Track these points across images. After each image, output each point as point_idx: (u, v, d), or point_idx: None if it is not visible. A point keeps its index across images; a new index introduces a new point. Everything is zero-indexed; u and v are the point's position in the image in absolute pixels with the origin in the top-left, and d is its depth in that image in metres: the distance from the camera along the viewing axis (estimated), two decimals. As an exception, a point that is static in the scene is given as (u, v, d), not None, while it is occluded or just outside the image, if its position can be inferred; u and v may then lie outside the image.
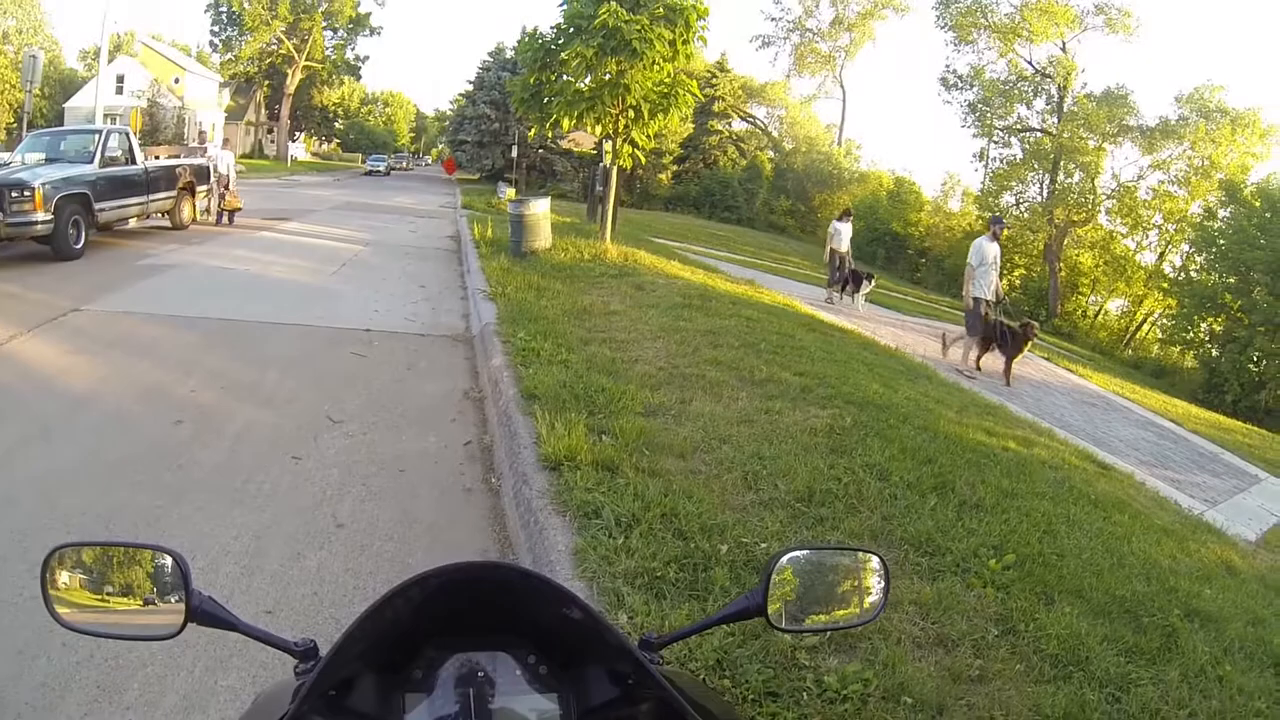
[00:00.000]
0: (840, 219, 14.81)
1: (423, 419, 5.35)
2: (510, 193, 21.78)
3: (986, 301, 10.00)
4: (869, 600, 0.99)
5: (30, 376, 5.67)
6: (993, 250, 10.18)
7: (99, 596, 0.95)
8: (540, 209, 11.70)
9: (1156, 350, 29.60)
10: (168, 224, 12.90)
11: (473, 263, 10.98)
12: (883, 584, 0.99)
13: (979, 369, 10.13)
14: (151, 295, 8.37)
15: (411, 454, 4.75)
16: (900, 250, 38.06)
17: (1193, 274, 27.76)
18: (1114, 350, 28.93)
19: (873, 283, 14.28)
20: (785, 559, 0.95)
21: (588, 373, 5.52)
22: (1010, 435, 5.92)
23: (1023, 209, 34.37)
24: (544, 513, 3.52)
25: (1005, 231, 11.75)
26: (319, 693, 0.71)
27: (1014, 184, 35.49)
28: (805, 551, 0.99)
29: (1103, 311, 33.41)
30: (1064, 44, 33.90)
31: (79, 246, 9.74)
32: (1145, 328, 31.72)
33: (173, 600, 0.92)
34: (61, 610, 0.93)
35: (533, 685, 0.80)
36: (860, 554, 1.01)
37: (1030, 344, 10.50)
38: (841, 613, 0.99)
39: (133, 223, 11.81)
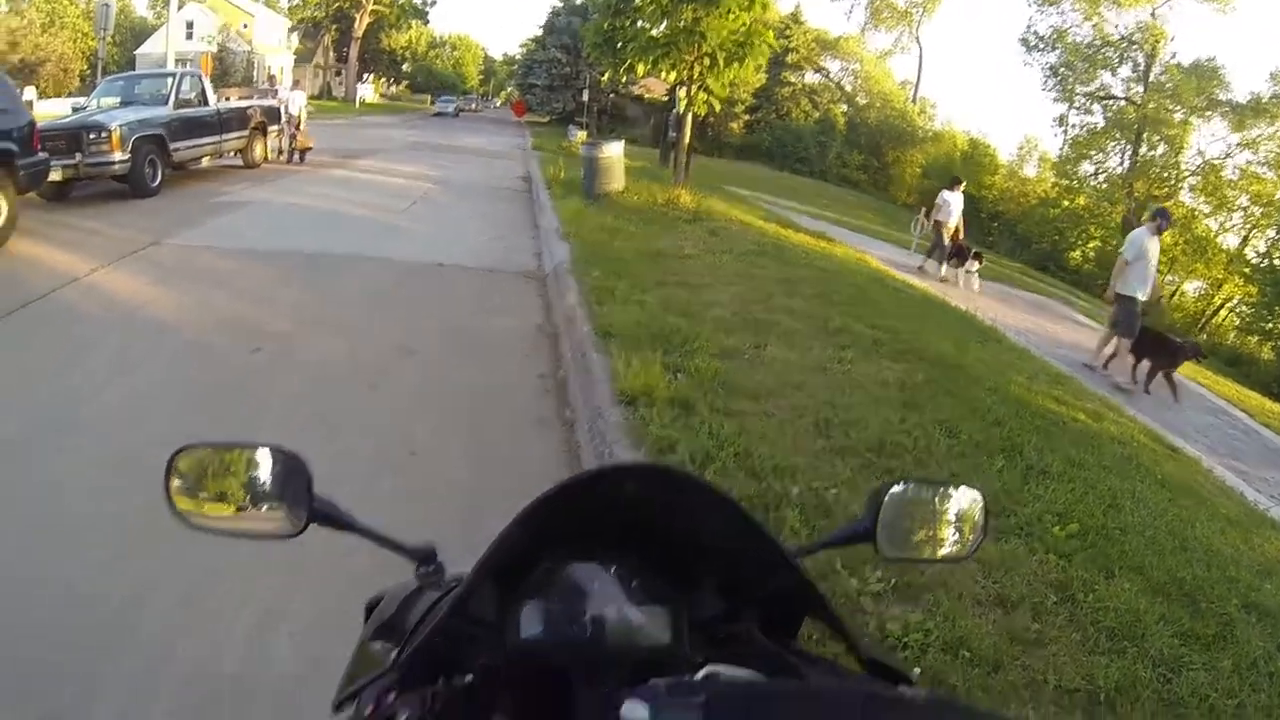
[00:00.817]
0: (950, 188, 12.92)
1: (496, 352, 5.38)
2: (582, 135, 21.50)
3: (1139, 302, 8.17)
4: (968, 536, 1.00)
5: (114, 306, 5.81)
6: (1154, 247, 8.16)
7: (220, 495, 0.96)
8: (614, 152, 11.56)
9: (1233, 338, 28.12)
10: (240, 163, 13.07)
11: (545, 203, 10.92)
12: (982, 521, 0.99)
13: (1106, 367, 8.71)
14: (228, 230, 8.49)
15: (485, 386, 4.79)
16: (973, 214, 36.72)
17: (1276, 262, 26.33)
18: (1188, 334, 27.65)
19: (980, 262, 12.47)
20: (893, 490, 0.96)
21: (662, 313, 5.51)
22: (1080, 407, 5.76)
23: (1101, 179, 32.92)
24: (619, 446, 3.56)
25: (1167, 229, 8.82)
26: (464, 601, 0.72)
27: (1094, 152, 34.02)
28: (911, 485, 0.99)
29: (1179, 292, 31.80)
30: (1154, 10, 32.00)
31: (155, 185, 9.98)
32: (1222, 313, 30.19)
33: (293, 500, 0.93)
34: (183, 509, 0.94)
35: (645, 596, 0.81)
36: (963, 490, 1.00)
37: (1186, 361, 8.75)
38: (942, 546, 1.00)
39: (206, 162, 12.00)
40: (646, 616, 0.80)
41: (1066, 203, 33.82)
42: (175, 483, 0.95)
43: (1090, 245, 31.39)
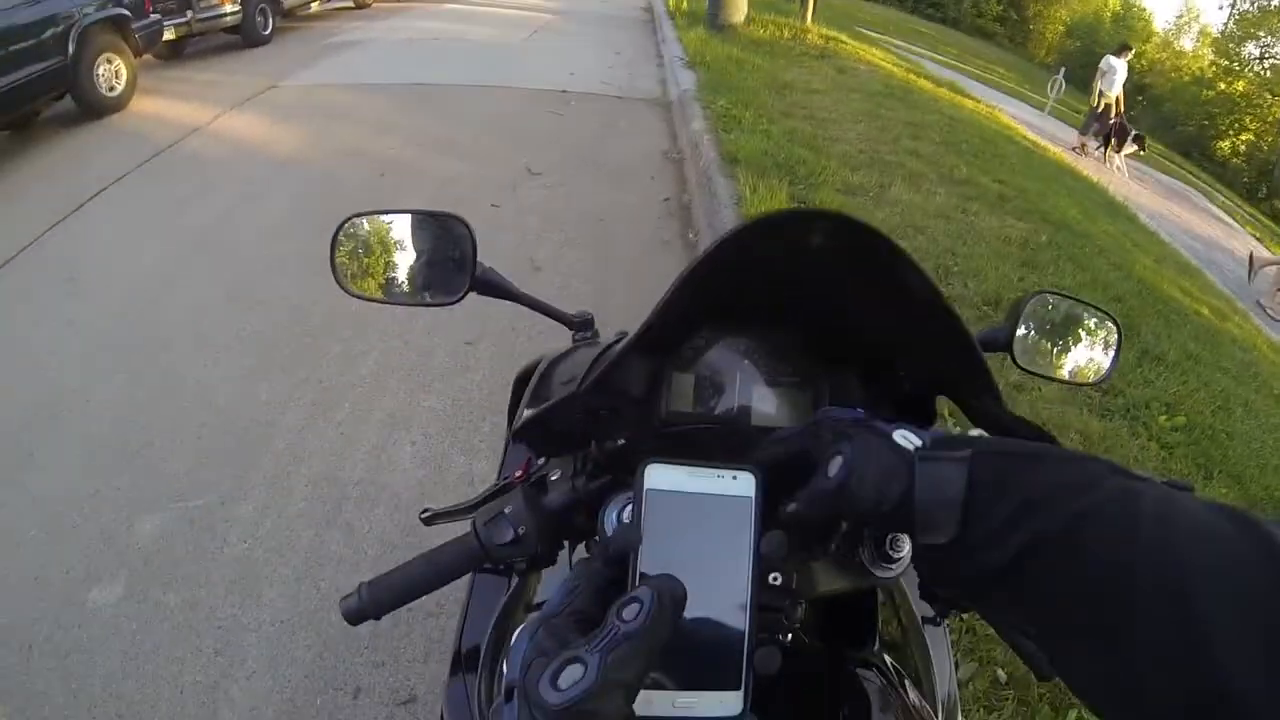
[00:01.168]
0: (1117, 53, 11.42)
1: (620, 175, 5.24)
2: None
3: None
4: (1100, 363, 0.94)
5: (240, 147, 5.85)
6: None
7: (382, 263, 0.92)
8: None
9: None
10: (351, 4, 12.54)
11: (668, 32, 10.23)
12: (1115, 352, 0.93)
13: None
14: (344, 67, 8.29)
15: (609, 206, 4.70)
16: (1115, 81, 33.30)
17: None
18: None
19: (1141, 145, 11.20)
20: (1036, 297, 0.90)
21: (788, 144, 5.24)
22: (1205, 301, 5.41)
23: (1266, 66, 28.85)
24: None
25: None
26: (632, 349, 0.65)
27: (1262, 34, 29.62)
28: (1055, 297, 0.91)
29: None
30: None
31: (267, 33, 9.72)
32: None
33: (456, 268, 0.89)
34: (345, 277, 0.90)
35: (792, 377, 0.77)
36: (1101, 314, 0.93)
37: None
38: (1075, 367, 0.94)
39: (315, 6, 11.46)
40: (786, 398, 0.76)
41: (1223, 85, 29.92)
42: (341, 254, 0.90)
43: (1243, 138, 28.09)
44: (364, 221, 0.92)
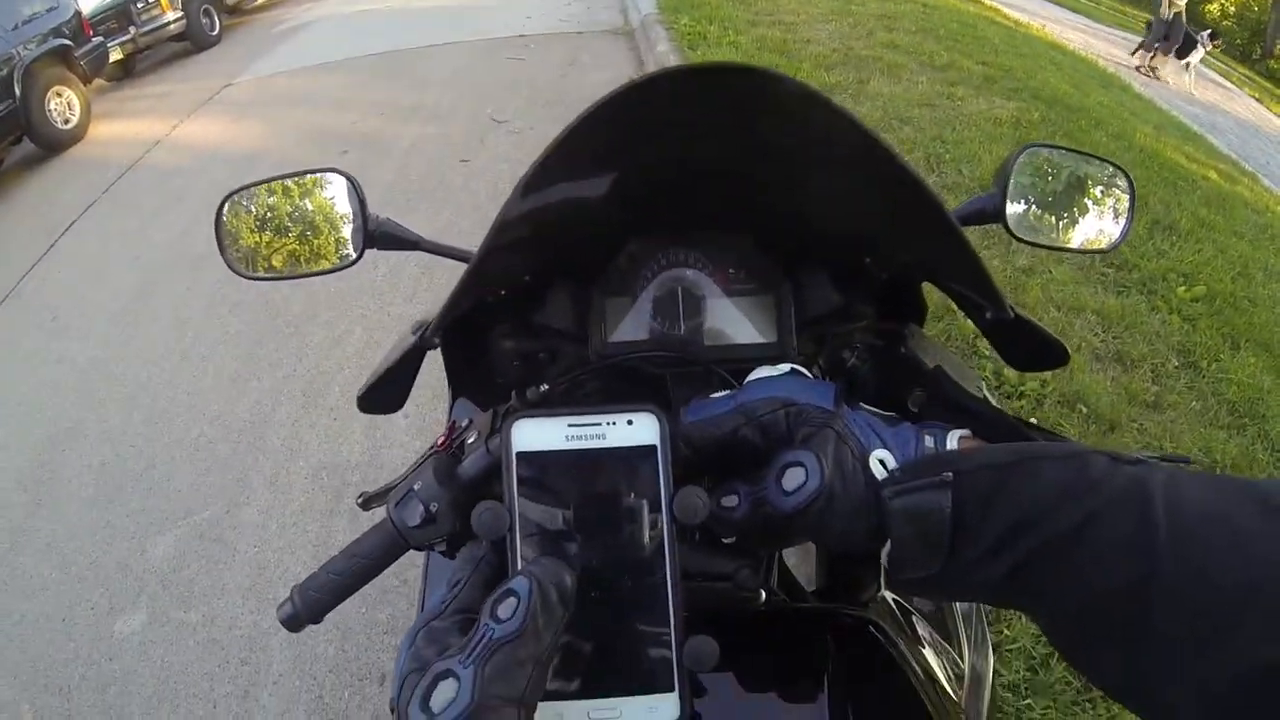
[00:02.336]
0: None
1: (588, 108, 5.11)
2: None
3: None
4: (1111, 226, 0.79)
5: (200, 152, 5.75)
6: None
7: (274, 237, 0.83)
8: None
9: None
10: None
11: None
12: (1128, 210, 0.78)
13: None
14: (296, 52, 8.10)
15: (579, 144, 4.61)
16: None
17: None
18: None
19: (1205, 49, 9.77)
20: (1027, 153, 0.75)
21: (759, 53, 5.10)
22: (1212, 166, 5.20)
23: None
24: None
25: None
26: (469, 290, 0.52)
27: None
28: (1050, 149, 0.77)
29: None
30: None
31: (215, 34, 9.55)
32: None
33: (348, 225, 0.80)
34: (239, 261, 0.82)
35: (748, 284, 0.67)
36: (1109, 167, 0.79)
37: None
38: (1082, 232, 0.79)
39: None
40: (746, 309, 0.67)
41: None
42: (227, 234, 0.81)
43: (1231, 1, 26.97)
44: (243, 198, 0.83)
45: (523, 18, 7.73)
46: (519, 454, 0.40)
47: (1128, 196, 0.78)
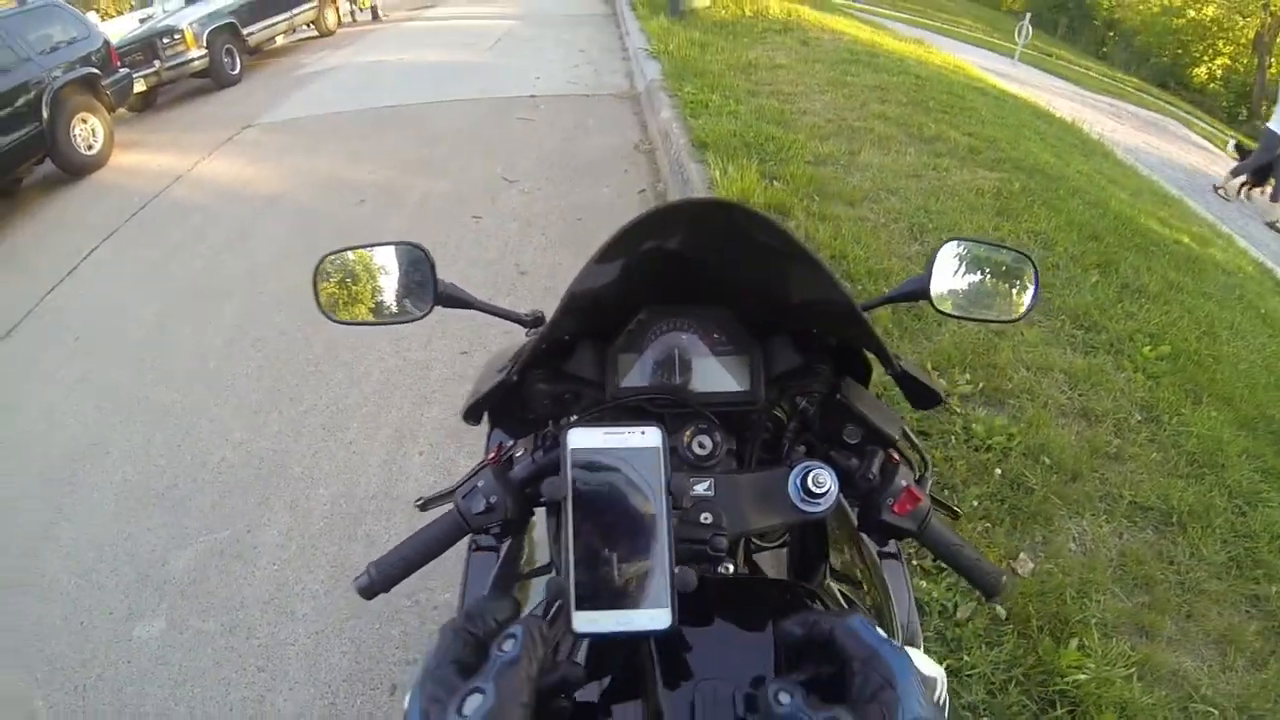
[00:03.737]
0: None
1: (595, 172, 5.34)
2: None
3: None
4: (1021, 300, 0.99)
5: (221, 191, 5.98)
6: None
7: (359, 291, 1.05)
8: None
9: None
10: (315, 33, 12.67)
11: (630, 24, 10.18)
12: (1033, 287, 0.98)
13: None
14: (314, 99, 8.38)
15: (587, 204, 4.81)
16: (1085, 20, 32.90)
17: None
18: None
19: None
20: (949, 246, 0.96)
21: (757, 123, 5.29)
22: (1186, 230, 5.37)
23: (1235, -13, 28.49)
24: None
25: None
26: (546, 342, 0.76)
27: (1226, -44, 29.19)
28: (968, 243, 0.98)
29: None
30: None
31: (236, 73, 9.94)
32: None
33: (420, 287, 1.01)
34: (329, 308, 1.03)
35: (729, 346, 0.86)
36: (1016, 254, 0.99)
37: None
38: (995, 308, 1.01)
39: (280, 39, 11.68)
40: (728, 366, 0.87)
41: (1193, 12, 29.51)
42: (321, 286, 1.03)
43: (1218, 63, 27.78)
44: (337, 258, 1.05)
45: (532, 78, 8.03)
46: (572, 449, 0.59)
47: (1033, 275, 0.98)
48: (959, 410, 2.71)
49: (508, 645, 0.49)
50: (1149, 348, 3.32)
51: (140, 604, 2.47)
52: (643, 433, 0.60)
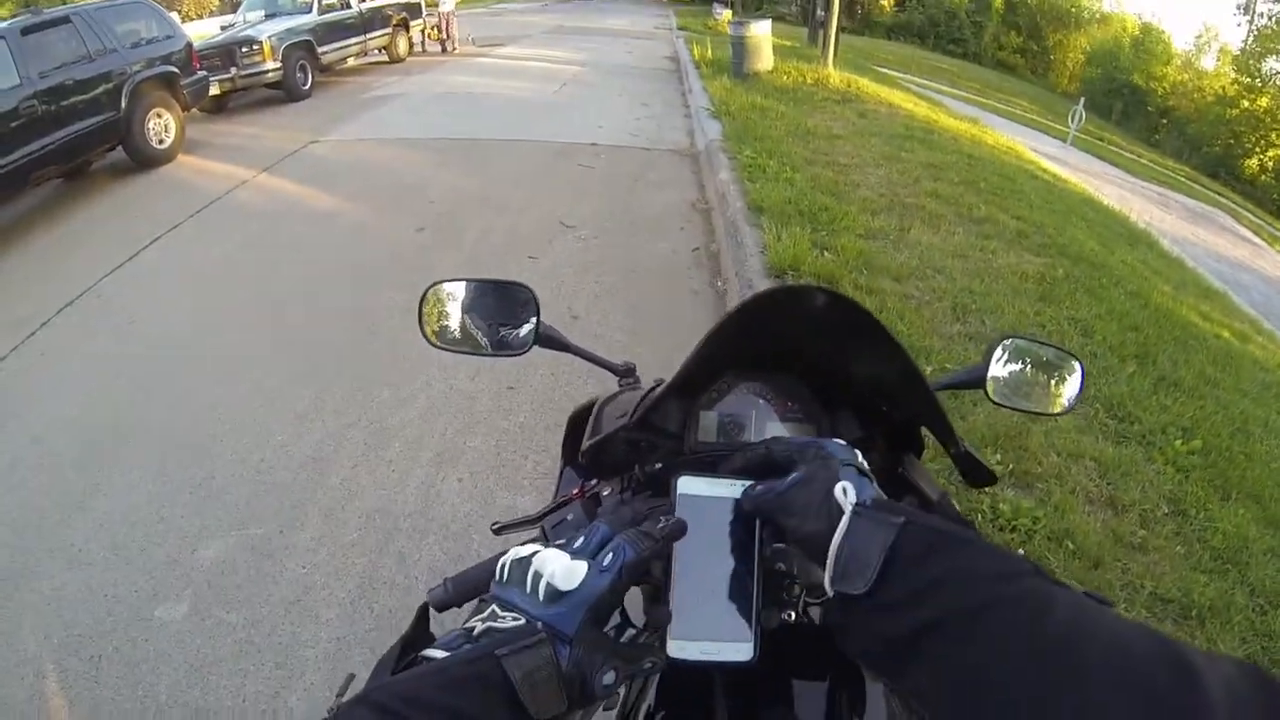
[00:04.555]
0: None
1: (651, 226, 5.44)
2: (728, 14, 20.08)
3: None
4: (1065, 397, 1.06)
5: (284, 200, 6.17)
6: None
7: (462, 321, 1.11)
8: (762, 30, 10.86)
9: None
10: (386, 58, 13.19)
11: (694, 83, 10.50)
12: (1078, 387, 1.05)
13: None
14: (381, 122, 8.62)
15: (641, 257, 4.91)
16: (1139, 106, 33.02)
17: None
18: None
19: None
20: (1006, 342, 1.03)
21: (811, 192, 5.40)
22: (1226, 325, 5.35)
23: (1289, 78, 28.49)
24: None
25: None
26: (675, 394, 0.83)
27: (1281, 48, 29.27)
28: (1022, 340, 1.05)
29: None
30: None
31: (307, 88, 10.35)
32: None
33: (522, 325, 1.07)
34: (431, 335, 1.09)
35: (799, 414, 0.92)
36: (1066, 355, 1.06)
37: None
38: (1043, 401, 1.07)
39: (351, 61, 12.17)
40: (794, 432, 0.92)
41: (1246, 103, 29.42)
42: (427, 313, 1.10)
43: (1270, 154, 27.67)
44: (445, 286, 1.11)
45: (595, 126, 8.21)
46: (680, 494, 0.66)
47: (1079, 374, 1.05)
48: (987, 490, 2.72)
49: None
50: (1181, 441, 3.30)
51: (166, 586, 2.52)
52: (733, 485, 0.67)
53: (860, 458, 0.65)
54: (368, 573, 2.56)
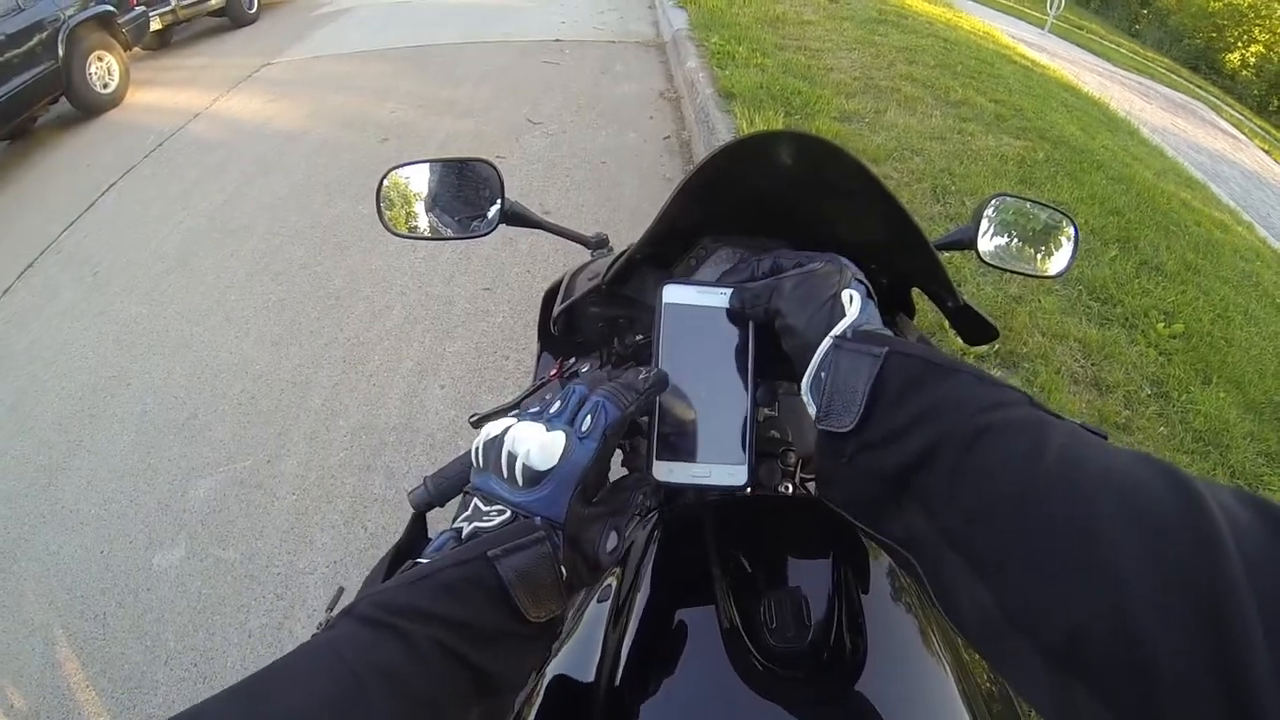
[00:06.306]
0: None
1: (620, 117, 5.29)
2: None
3: None
4: (1059, 258, 1.02)
5: (241, 128, 5.90)
6: None
7: (423, 206, 1.04)
8: None
9: None
10: None
11: None
12: (1072, 247, 1.02)
13: None
14: (335, 38, 8.26)
15: (611, 148, 4.78)
16: (1122, -1, 32.08)
17: None
18: None
19: None
20: (996, 200, 0.99)
21: (783, 76, 5.22)
22: (1207, 215, 5.31)
23: (1277, -34, 27.72)
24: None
25: None
26: (641, 253, 0.77)
27: (1270, -60, 28.35)
28: (1013, 198, 1.01)
29: None
30: None
31: (253, 11, 9.70)
32: None
33: (487, 203, 1.01)
34: (391, 221, 1.03)
35: None
36: (1059, 214, 1.02)
37: None
38: (1035, 262, 1.03)
39: None
40: None
41: (1231, -5, 28.84)
42: (384, 198, 1.03)
43: (1252, 50, 27.04)
44: (403, 171, 1.04)
45: (558, 22, 7.90)
46: (666, 304, 0.61)
47: (1073, 235, 1.01)
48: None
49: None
50: (1163, 324, 3.34)
51: (160, 533, 2.52)
52: (723, 293, 0.62)
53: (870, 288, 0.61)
54: (358, 492, 2.57)
